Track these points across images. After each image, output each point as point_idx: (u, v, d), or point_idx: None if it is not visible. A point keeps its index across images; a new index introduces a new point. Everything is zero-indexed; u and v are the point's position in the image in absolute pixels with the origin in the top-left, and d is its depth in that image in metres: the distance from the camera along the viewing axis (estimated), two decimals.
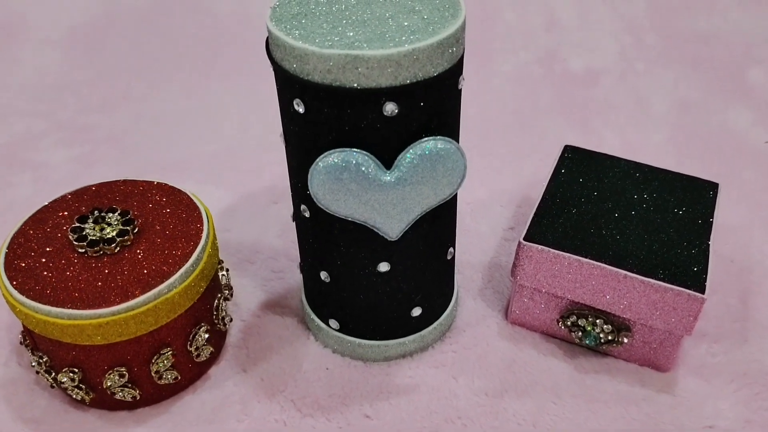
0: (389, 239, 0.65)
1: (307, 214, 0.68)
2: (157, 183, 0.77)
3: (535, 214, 0.77)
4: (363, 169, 0.60)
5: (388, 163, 0.61)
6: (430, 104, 0.60)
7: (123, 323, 0.64)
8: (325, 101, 0.59)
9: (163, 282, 0.66)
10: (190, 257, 0.68)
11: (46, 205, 0.74)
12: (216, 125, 1.11)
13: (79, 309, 0.64)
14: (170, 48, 1.27)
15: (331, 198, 0.62)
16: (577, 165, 0.83)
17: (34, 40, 1.28)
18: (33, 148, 1.06)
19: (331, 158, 0.60)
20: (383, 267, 0.68)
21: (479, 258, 0.88)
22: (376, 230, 0.65)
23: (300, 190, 0.67)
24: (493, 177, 1.00)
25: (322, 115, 0.60)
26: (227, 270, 0.78)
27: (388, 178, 0.61)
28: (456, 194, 0.70)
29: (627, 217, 0.76)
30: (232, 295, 0.79)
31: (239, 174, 1.01)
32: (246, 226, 0.93)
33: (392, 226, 0.64)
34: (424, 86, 0.58)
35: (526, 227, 0.75)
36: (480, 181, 0.99)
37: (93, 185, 0.77)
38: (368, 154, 0.60)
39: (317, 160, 0.60)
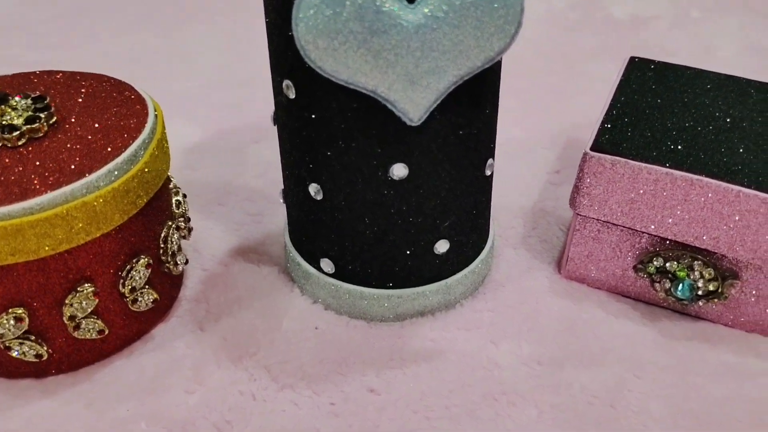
0: (409, 123, 0.45)
1: (291, 95, 0.48)
2: (93, 74, 0.57)
3: (602, 122, 0.57)
4: None
5: None
6: None
7: (18, 234, 0.44)
8: None
9: (80, 178, 0.46)
10: (122, 152, 0.48)
11: None
12: (192, 64, 0.92)
13: None
14: None
15: (325, 48, 0.42)
16: (649, 76, 0.63)
17: None
18: None
19: None
20: (399, 171, 0.48)
21: (519, 202, 0.68)
22: (390, 107, 0.45)
23: (282, 56, 0.47)
24: (531, 117, 0.80)
25: None
26: (184, 196, 0.57)
27: (412, 15, 0.41)
28: (500, 64, 0.50)
29: (725, 130, 0.56)
30: (190, 233, 0.58)
31: (215, 110, 0.82)
32: (219, 165, 0.73)
33: (414, 98, 0.44)
34: None
35: (593, 136, 0.55)
36: (513, 120, 0.79)
37: (6, 75, 0.57)
38: None
39: None
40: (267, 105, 0.81)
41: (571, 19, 1.02)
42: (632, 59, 0.66)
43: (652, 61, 0.66)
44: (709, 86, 0.62)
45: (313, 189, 0.51)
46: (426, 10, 0.41)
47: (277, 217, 0.65)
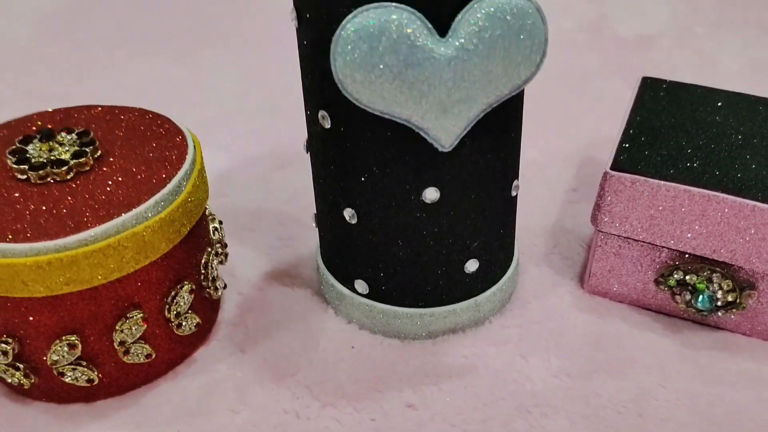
0: (441, 149, 0.48)
1: (327, 125, 0.50)
2: (130, 108, 0.60)
3: (620, 141, 0.59)
4: (409, 32, 0.43)
5: (442, 26, 0.44)
6: None
7: (73, 264, 0.46)
8: None
9: (130, 210, 0.48)
10: (167, 184, 0.50)
11: None
12: (208, 92, 0.95)
13: (10, 242, 0.46)
14: (157, 20, 1.12)
15: (362, 80, 0.44)
16: (662, 95, 0.66)
17: (6, 15, 1.14)
18: None
19: (364, 18, 0.43)
20: (431, 194, 0.51)
21: (539, 222, 0.70)
22: (423, 135, 0.47)
23: (318, 89, 0.50)
24: (544, 137, 0.82)
25: None
26: (220, 223, 0.60)
27: (444, 49, 0.44)
28: (523, 90, 0.52)
29: (737, 147, 0.58)
30: (226, 258, 0.60)
31: (238, 137, 0.84)
32: (246, 191, 0.75)
33: (446, 125, 0.47)
34: None
35: (612, 156, 0.58)
36: (528, 141, 0.81)
37: (47, 111, 0.59)
38: (416, 11, 0.43)
39: (344, 22, 0.43)
40: (288, 131, 0.84)
41: (579, 39, 1.05)
42: (644, 80, 0.69)
43: (664, 81, 0.68)
44: (719, 104, 0.64)
45: (348, 213, 0.53)
46: (458, 44, 0.44)
47: (308, 240, 0.68)
